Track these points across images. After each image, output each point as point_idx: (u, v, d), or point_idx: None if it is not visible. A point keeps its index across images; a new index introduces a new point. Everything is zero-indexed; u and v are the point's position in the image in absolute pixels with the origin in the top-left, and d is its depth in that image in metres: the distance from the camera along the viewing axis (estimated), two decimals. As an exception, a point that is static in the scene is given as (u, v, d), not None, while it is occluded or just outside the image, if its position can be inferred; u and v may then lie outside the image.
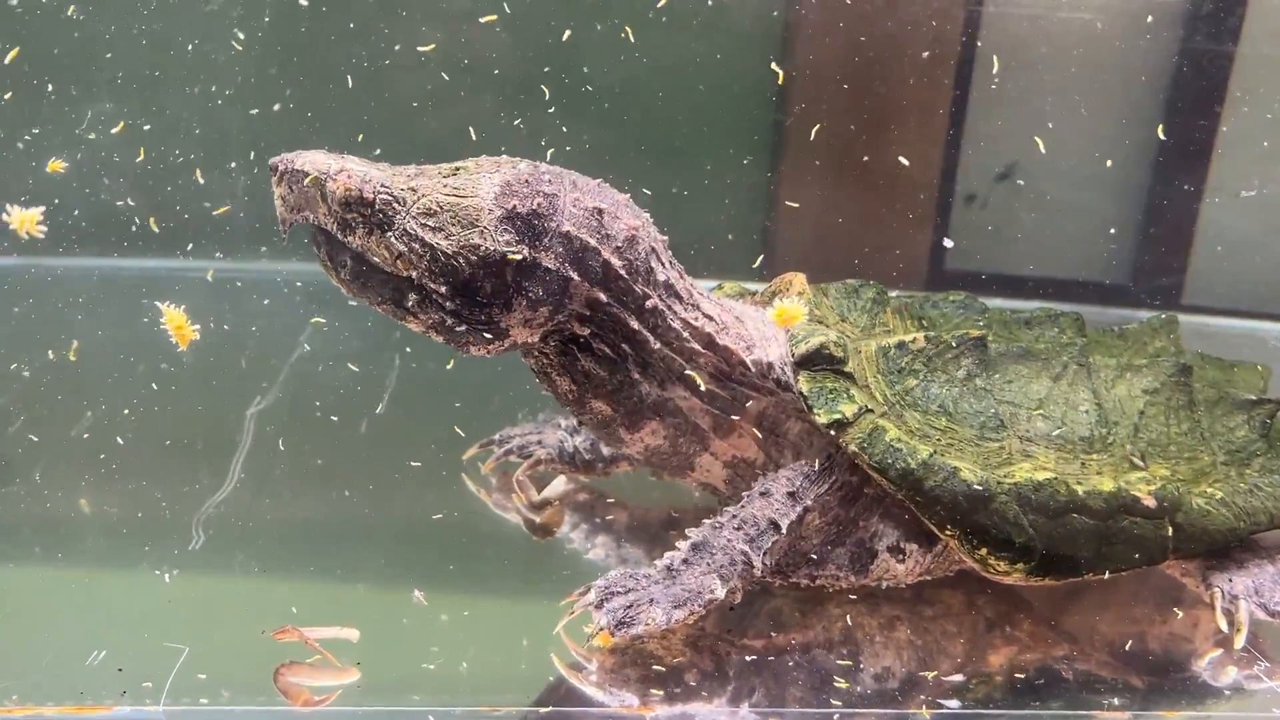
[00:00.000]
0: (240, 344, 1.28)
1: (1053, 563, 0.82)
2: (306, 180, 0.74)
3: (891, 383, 0.84)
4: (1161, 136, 1.37)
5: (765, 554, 0.80)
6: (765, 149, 1.45)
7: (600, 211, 0.77)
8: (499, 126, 1.37)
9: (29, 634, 0.81)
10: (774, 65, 1.26)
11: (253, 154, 1.33)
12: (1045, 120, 1.37)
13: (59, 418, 1.10)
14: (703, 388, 0.82)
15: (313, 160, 0.75)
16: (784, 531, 0.81)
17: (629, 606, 0.77)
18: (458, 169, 0.77)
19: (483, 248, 0.73)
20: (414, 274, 0.74)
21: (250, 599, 0.87)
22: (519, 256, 0.74)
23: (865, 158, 1.40)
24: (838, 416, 0.81)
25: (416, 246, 0.73)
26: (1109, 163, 1.36)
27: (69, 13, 1.28)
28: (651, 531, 0.98)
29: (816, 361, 0.83)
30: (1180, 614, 0.89)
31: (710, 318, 0.82)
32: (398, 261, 0.74)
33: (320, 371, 1.23)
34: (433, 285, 0.74)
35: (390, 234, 0.74)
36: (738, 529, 0.80)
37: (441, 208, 0.74)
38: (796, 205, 1.42)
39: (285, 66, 1.38)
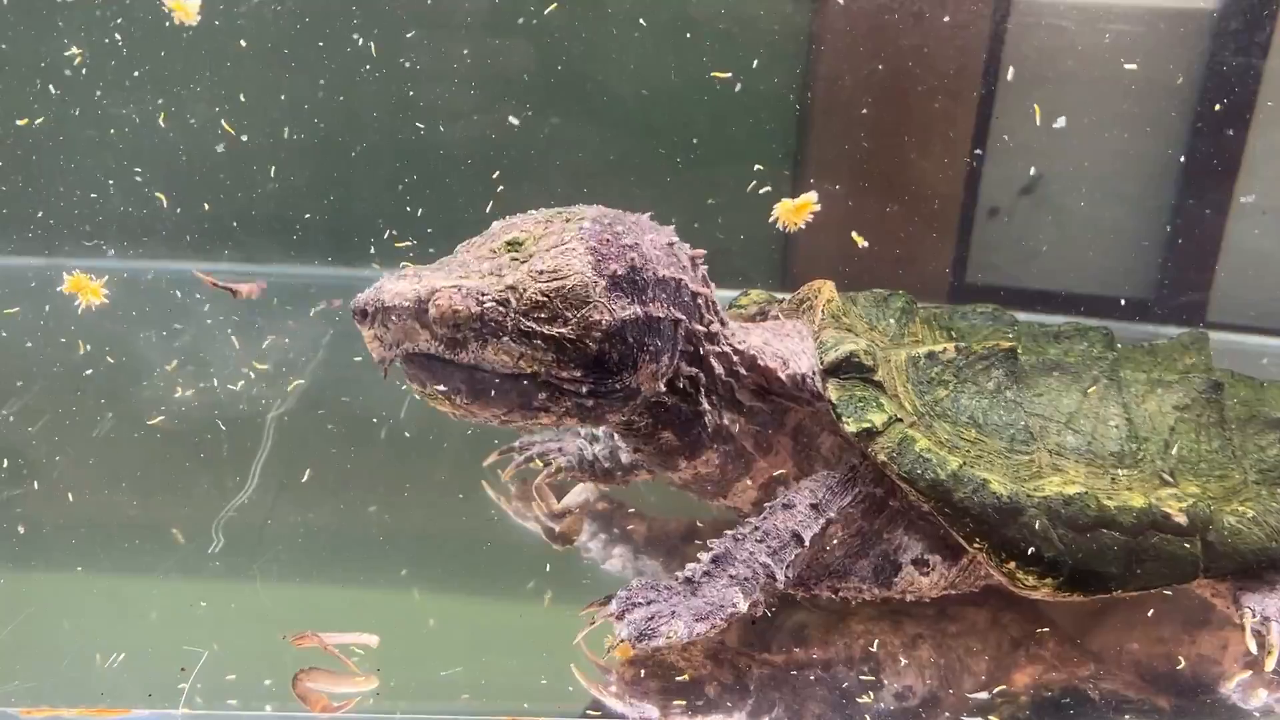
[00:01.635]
0: (261, 348, 1.28)
1: (1082, 578, 0.80)
2: (405, 313, 0.72)
3: (921, 393, 0.83)
4: (1181, 159, 1.36)
5: (788, 566, 0.79)
6: (788, 161, 1.44)
7: (672, 245, 0.78)
8: (521, 136, 1.37)
9: (48, 635, 0.81)
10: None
11: (287, 158, 1.34)
12: (1070, 133, 1.36)
13: (80, 420, 1.10)
14: (746, 404, 0.83)
15: (398, 292, 0.72)
16: (807, 544, 0.80)
17: (650, 618, 0.76)
18: (520, 244, 0.74)
19: (604, 321, 0.73)
20: (540, 369, 0.73)
21: (269, 603, 0.87)
22: (636, 317, 0.73)
23: (888, 170, 1.40)
24: (867, 425, 0.80)
25: (538, 342, 0.72)
26: (1133, 177, 1.35)
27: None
28: (670, 542, 0.97)
29: (845, 369, 0.83)
30: (1246, 623, 0.85)
31: (747, 341, 0.82)
32: (520, 361, 0.73)
33: (340, 377, 1.23)
34: (564, 374, 0.73)
35: (505, 338, 0.72)
36: (760, 541, 0.80)
37: (549, 296, 0.72)
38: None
39: (308, 72, 1.39)
